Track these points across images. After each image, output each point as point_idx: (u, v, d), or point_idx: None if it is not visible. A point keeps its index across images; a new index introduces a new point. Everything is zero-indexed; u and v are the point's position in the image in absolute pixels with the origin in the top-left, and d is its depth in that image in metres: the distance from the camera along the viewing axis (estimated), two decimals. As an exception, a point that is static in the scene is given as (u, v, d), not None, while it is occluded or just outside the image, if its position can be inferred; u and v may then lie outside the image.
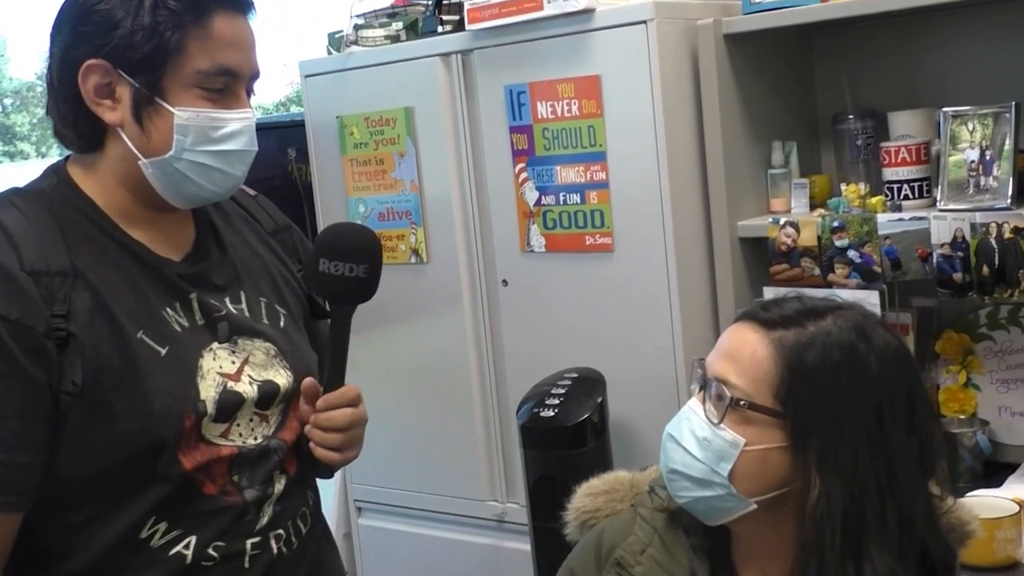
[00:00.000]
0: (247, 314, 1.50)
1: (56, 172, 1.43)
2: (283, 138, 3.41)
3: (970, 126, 2.16)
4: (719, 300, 2.45)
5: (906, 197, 2.27)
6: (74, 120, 1.39)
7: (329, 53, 3.04)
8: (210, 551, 1.42)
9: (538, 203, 2.58)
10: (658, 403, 2.44)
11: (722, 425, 1.26)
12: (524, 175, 2.60)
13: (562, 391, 2.39)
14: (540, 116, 2.54)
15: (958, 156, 2.16)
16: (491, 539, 2.82)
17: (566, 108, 2.50)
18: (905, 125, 2.34)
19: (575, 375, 2.45)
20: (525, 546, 2.54)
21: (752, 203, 2.50)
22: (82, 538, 1.37)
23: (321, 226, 3.00)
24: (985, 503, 1.90)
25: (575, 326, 2.57)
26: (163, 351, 1.38)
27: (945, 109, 2.21)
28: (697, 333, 2.44)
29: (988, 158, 2.13)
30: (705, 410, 1.29)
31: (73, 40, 1.37)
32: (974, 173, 2.15)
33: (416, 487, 2.93)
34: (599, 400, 2.39)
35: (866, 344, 1.25)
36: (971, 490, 2.13)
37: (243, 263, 1.54)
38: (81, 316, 1.32)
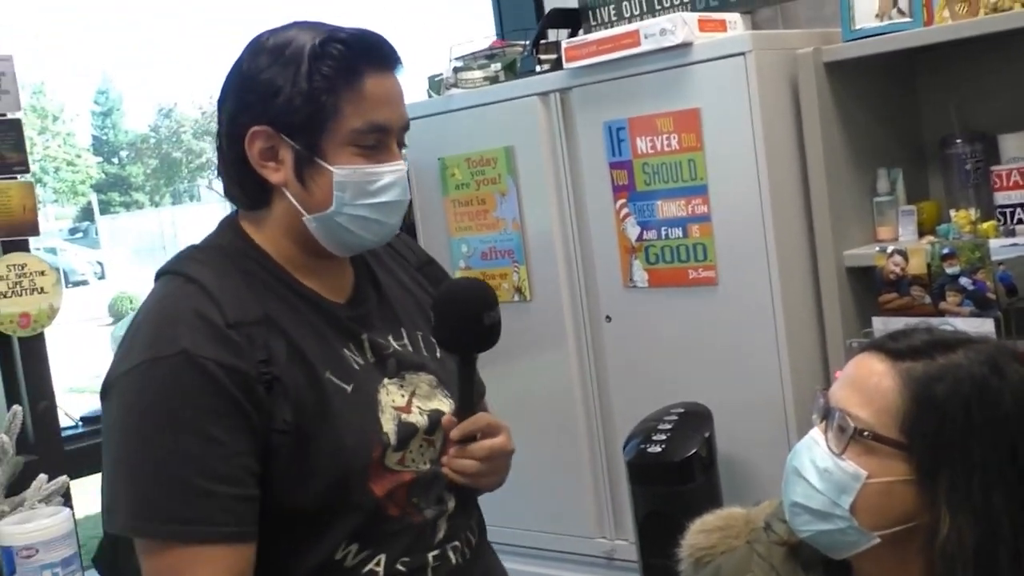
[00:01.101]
0: (410, 349, 1.59)
1: (231, 227, 1.53)
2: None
3: (1083, 147, 2.10)
4: (827, 331, 2.41)
5: (1019, 221, 2.21)
6: (241, 181, 1.48)
7: (429, 96, 3.09)
8: (398, 566, 1.50)
9: (640, 238, 2.58)
10: (766, 436, 2.41)
11: (844, 456, 1.23)
12: (625, 210, 2.60)
13: (669, 426, 2.38)
14: (640, 151, 2.54)
15: (1072, 178, 2.10)
16: (600, 576, 2.80)
17: (665, 143, 2.50)
18: (1016, 147, 2.29)
19: (681, 410, 2.43)
20: (635, 583, 2.52)
21: (858, 232, 2.46)
22: (288, 563, 1.45)
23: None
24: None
25: (680, 360, 2.55)
26: (348, 388, 1.47)
27: (1057, 130, 2.15)
28: (805, 365, 2.41)
29: (1104, 179, 2.07)
30: (827, 440, 1.26)
31: (238, 108, 1.46)
32: (1089, 195, 2.08)
33: (524, 524, 2.92)
34: (706, 435, 2.37)
35: (999, 378, 1.21)
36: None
37: (398, 301, 1.63)
38: (280, 360, 1.41)
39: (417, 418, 1.54)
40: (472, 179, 2.89)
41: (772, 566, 1.36)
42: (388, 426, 1.49)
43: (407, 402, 1.54)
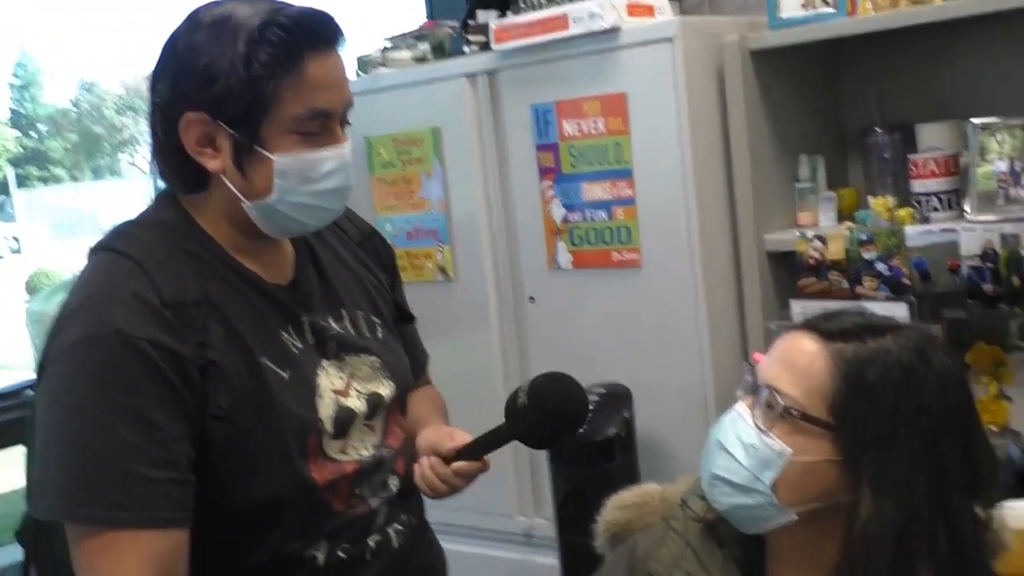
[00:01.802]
0: (351, 331, 1.56)
1: (170, 203, 1.47)
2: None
3: (999, 137, 2.15)
4: (747, 314, 2.45)
5: (935, 209, 2.26)
6: (177, 165, 1.43)
7: (358, 75, 3.06)
8: (339, 553, 1.49)
9: (565, 220, 2.59)
10: (685, 417, 2.44)
11: (770, 433, 1.24)
12: (551, 192, 2.61)
13: (590, 406, 2.39)
14: (566, 134, 2.55)
15: (987, 167, 2.15)
16: (519, 554, 2.82)
17: (592, 126, 2.51)
18: (933, 137, 2.34)
19: (603, 390, 2.45)
20: (553, 561, 2.54)
21: (779, 217, 2.50)
22: (231, 557, 1.43)
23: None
24: (1018, 514, 1.88)
25: (602, 342, 2.58)
26: (286, 375, 1.43)
27: (973, 120, 2.20)
28: (724, 348, 2.44)
29: (1018, 169, 2.12)
30: (753, 416, 1.27)
31: (173, 93, 1.40)
32: (1004, 184, 2.13)
33: (443, 502, 2.91)
34: (626, 415, 2.39)
35: (926, 365, 1.23)
36: (1003, 501, 2.11)
37: (340, 280, 1.60)
38: (218, 343, 1.38)
39: (355, 403, 1.51)
40: (398, 159, 2.88)
41: (687, 542, 1.37)
42: (326, 412, 1.46)
43: (346, 385, 1.51)
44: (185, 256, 1.41)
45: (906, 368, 1.22)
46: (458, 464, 1.59)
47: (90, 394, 1.31)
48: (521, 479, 2.78)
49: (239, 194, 1.41)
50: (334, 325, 1.54)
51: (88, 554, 1.32)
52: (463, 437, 1.63)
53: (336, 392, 1.49)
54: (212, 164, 1.40)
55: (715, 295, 2.42)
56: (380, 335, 1.61)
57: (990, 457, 1.30)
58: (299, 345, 1.47)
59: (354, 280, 1.62)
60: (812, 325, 1.28)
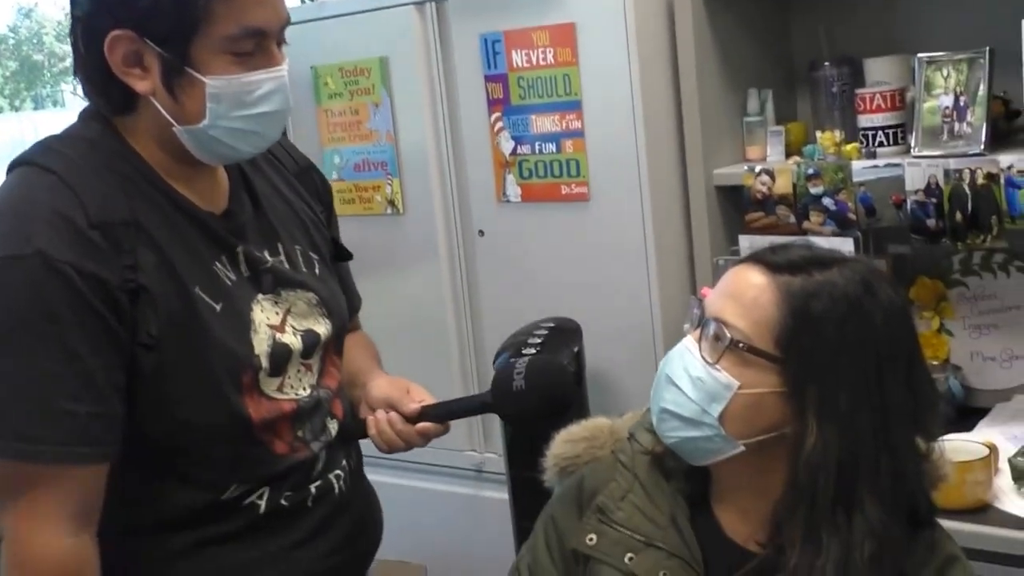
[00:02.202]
0: (287, 265, 1.51)
1: (97, 119, 1.39)
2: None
3: (944, 72, 2.16)
4: (695, 248, 2.45)
5: (881, 144, 2.27)
6: (103, 86, 1.36)
7: (303, 2, 3.00)
8: (282, 501, 1.47)
9: (514, 153, 2.57)
10: (634, 351, 2.45)
11: (717, 366, 1.25)
12: (500, 125, 2.59)
13: (539, 340, 2.40)
14: (515, 65, 2.53)
15: (932, 102, 2.16)
16: (470, 489, 2.84)
17: (541, 56, 2.48)
18: (880, 72, 2.33)
19: (551, 324, 2.45)
20: (503, 495, 2.56)
21: (728, 151, 2.49)
22: (162, 499, 1.40)
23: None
24: (957, 447, 1.92)
25: (551, 276, 2.58)
26: (218, 307, 1.39)
27: (920, 55, 2.21)
28: (673, 281, 2.45)
29: (962, 104, 2.13)
30: (701, 349, 1.28)
31: (95, 8, 1.33)
32: (948, 119, 2.14)
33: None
34: (575, 349, 2.40)
35: (871, 298, 1.24)
36: (944, 435, 2.16)
37: (276, 212, 1.54)
38: (148, 268, 1.32)
39: (291, 339, 1.47)
40: (346, 89, 2.84)
41: (636, 475, 1.39)
42: (261, 347, 1.42)
43: (281, 321, 1.46)
44: (113, 175, 1.34)
45: (852, 301, 1.23)
46: (423, 425, 1.58)
47: (8, 320, 1.25)
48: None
49: (169, 118, 1.35)
50: (269, 258, 1.49)
51: (2, 489, 1.29)
52: (420, 393, 1.61)
53: (271, 327, 1.44)
54: (140, 85, 1.34)
55: (663, 229, 2.42)
56: (317, 271, 1.56)
57: (932, 390, 1.33)
58: (232, 277, 1.42)
59: (290, 213, 1.57)
60: (759, 258, 1.29)
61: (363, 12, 2.77)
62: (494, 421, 2.63)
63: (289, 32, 2.93)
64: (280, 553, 1.48)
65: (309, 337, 1.50)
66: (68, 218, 1.28)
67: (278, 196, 1.57)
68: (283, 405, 1.46)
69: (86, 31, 1.34)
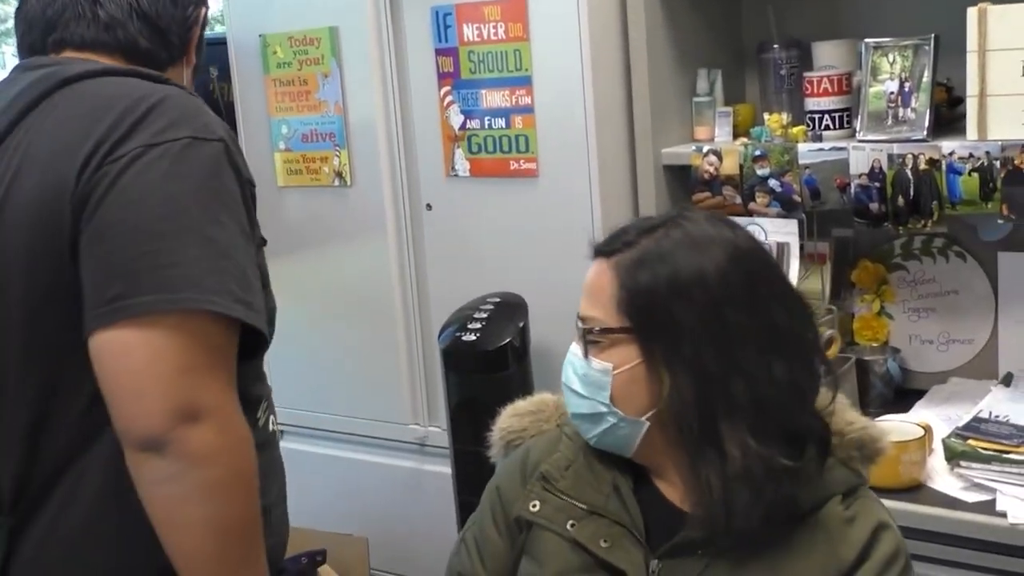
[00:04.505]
0: None
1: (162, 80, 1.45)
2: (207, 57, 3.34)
3: (891, 57, 2.18)
4: (642, 227, 2.46)
5: (827, 127, 2.30)
6: (171, 38, 1.49)
7: (252, -31, 2.97)
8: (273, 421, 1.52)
9: (463, 127, 2.56)
10: (579, 328, 2.46)
11: (591, 357, 1.34)
12: (449, 98, 2.58)
13: (484, 315, 2.40)
14: (466, 39, 2.52)
15: (878, 87, 2.19)
16: (413, 462, 2.83)
17: (492, 31, 2.48)
18: (828, 56, 2.36)
19: (497, 300, 2.46)
20: (446, 469, 2.56)
21: (677, 131, 2.51)
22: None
23: (243, 147, 2.95)
24: (893, 427, 1.96)
25: (499, 251, 2.58)
26: None
27: (867, 40, 2.23)
28: (619, 260, 2.46)
29: (907, 90, 2.16)
30: (581, 350, 1.36)
31: None
32: (893, 104, 2.17)
33: (337, 411, 2.93)
34: (521, 324, 2.41)
35: (692, 244, 1.31)
36: (882, 415, 2.20)
37: None
38: None
39: None
40: (295, 58, 2.81)
41: (580, 447, 1.42)
42: None
43: None
44: None
45: (672, 254, 1.31)
46: None
47: (207, 191, 1.27)
48: (415, 387, 2.78)
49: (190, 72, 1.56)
50: None
51: (212, 357, 1.25)
52: None
53: None
54: (193, 56, 1.56)
55: (611, 207, 2.43)
56: None
57: (790, 313, 1.35)
58: None
59: None
60: (599, 250, 1.38)
61: (314, -19, 2.74)
62: (437, 395, 2.63)
63: (238, 0, 2.92)
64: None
65: None
66: (225, 126, 1.36)
67: None
68: None
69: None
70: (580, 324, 1.36)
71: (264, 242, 1.46)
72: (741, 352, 1.29)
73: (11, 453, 1.32)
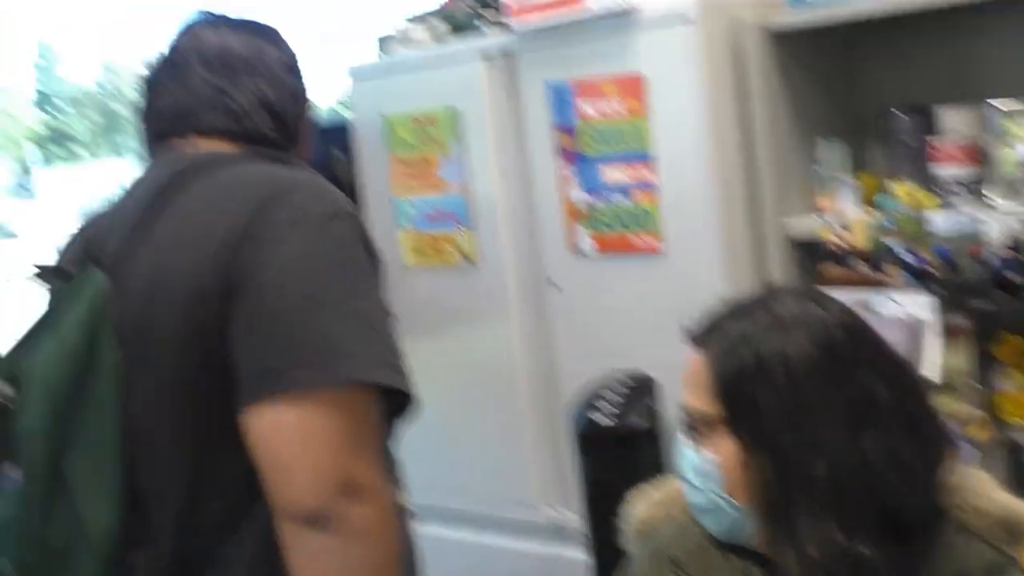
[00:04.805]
0: None
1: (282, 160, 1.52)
2: (330, 139, 3.43)
3: (1021, 122, 2.12)
4: (769, 300, 2.42)
5: (956, 195, 2.23)
6: (290, 127, 1.54)
7: (379, 56, 3.05)
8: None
9: (585, 204, 2.57)
10: (708, 405, 2.42)
11: (698, 448, 1.32)
12: (570, 175, 2.59)
13: (615, 395, 2.38)
14: (585, 115, 2.53)
15: (1010, 153, 2.12)
16: (545, 547, 2.80)
17: (611, 107, 2.49)
18: (953, 120, 2.30)
19: (627, 378, 2.43)
20: (579, 553, 2.53)
21: (800, 202, 2.47)
22: None
23: (369, 226, 3.01)
24: None
25: (625, 328, 2.56)
26: None
27: (995, 104, 2.17)
28: (747, 334, 2.42)
29: (1042, 154, 2.09)
30: (690, 440, 1.35)
31: (298, 70, 1.57)
32: (1027, 170, 2.10)
33: (467, 493, 2.93)
34: (652, 404, 2.38)
35: (777, 326, 1.29)
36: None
37: None
38: None
39: None
40: (417, 139, 2.87)
41: (711, 539, 1.39)
42: None
43: None
44: None
45: (752, 336, 1.29)
46: None
47: (347, 264, 1.31)
48: (545, 468, 2.76)
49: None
50: None
51: (361, 429, 1.27)
52: None
53: None
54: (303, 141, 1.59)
55: (738, 281, 2.39)
56: None
57: (886, 378, 1.31)
58: None
59: None
60: (691, 337, 1.37)
61: (434, 63, 2.80)
62: (568, 476, 2.61)
63: (365, 84, 3.01)
64: None
65: None
66: (351, 202, 1.40)
67: None
68: None
69: (299, 81, 1.57)
70: (683, 415, 1.35)
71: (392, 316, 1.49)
72: (823, 431, 1.25)
73: (170, 522, 1.36)
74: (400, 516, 1.32)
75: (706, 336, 1.35)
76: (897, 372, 1.34)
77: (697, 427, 1.33)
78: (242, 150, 1.48)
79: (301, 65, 1.59)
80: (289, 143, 1.55)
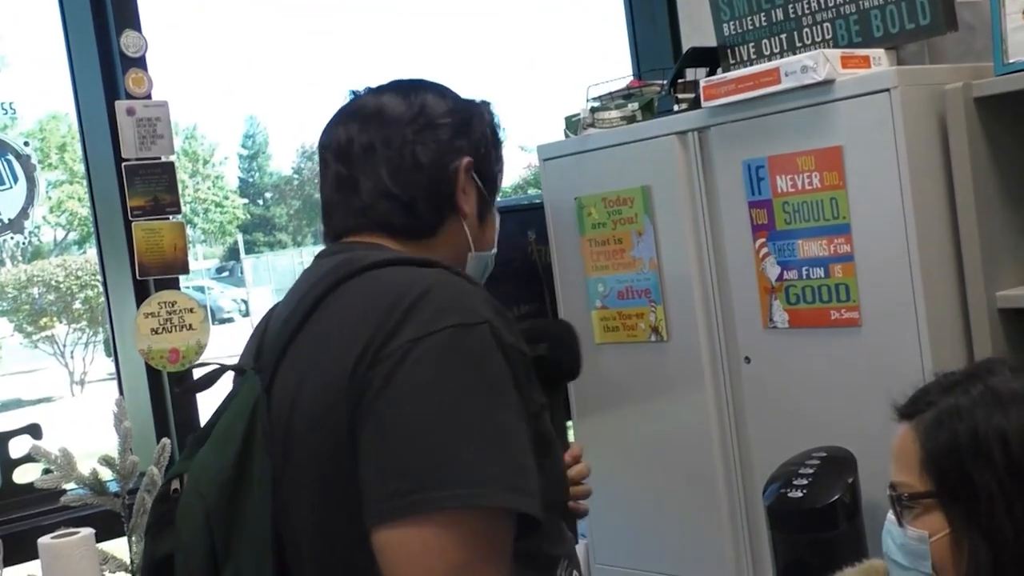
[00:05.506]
0: None
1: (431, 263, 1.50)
2: (522, 221, 3.48)
3: None
4: (978, 375, 2.32)
5: None
6: (422, 206, 1.50)
7: (566, 136, 3.10)
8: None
9: (780, 278, 2.53)
10: (914, 485, 2.32)
11: (906, 526, 1.30)
12: (765, 250, 2.56)
13: (810, 471, 2.31)
14: (780, 190, 2.50)
15: None
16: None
17: (807, 181, 2.45)
18: None
19: (824, 454, 2.36)
20: (776, 632, 2.45)
21: (1010, 272, 2.36)
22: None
23: (561, 306, 3.04)
24: None
25: (822, 404, 2.49)
26: None
27: None
28: (955, 410, 2.31)
29: None
30: (897, 518, 1.34)
31: (454, 134, 1.52)
32: None
33: (661, 569, 2.88)
34: (850, 480, 2.29)
35: (994, 401, 1.26)
36: None
37: None
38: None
39: None
40: (609, 218, 2.89)
41: None
42: None
43: None
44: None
45: (967, 409, 1.27)
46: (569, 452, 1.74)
47: (475, 380, 1.30)
48: (739, 545, 2.70)
49: (471, 242, 1.53)
50: None
51: (488, 541, 1.27)
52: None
53: None
54: (466, 208, 1.52)
55: (942, 354, 2.30)
56: None
57: None
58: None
59: None
60: (901, 411, 1.37)
61: (626, 143, 2.83)
62: (764, 556, 2.53)
63: (554, 164, 3.07)
64: None
65: None
66: (491, 299, 1.38)
67: None
68: None
69: (440, 152, 1.50)
70: (890, 491, 1.34)
71: (544, 407, 1.43)
72: None
73: None
74: None
75: (915, 409, 1.33)
76: None
77: (905, 503, 1.30)
78: (400, 247, 1.50)
79: (473, 124, 1.54)
80: (429, 223, 1.51)
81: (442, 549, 1.23)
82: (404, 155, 1.49)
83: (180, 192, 2.84)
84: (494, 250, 1.59)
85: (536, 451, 1.32)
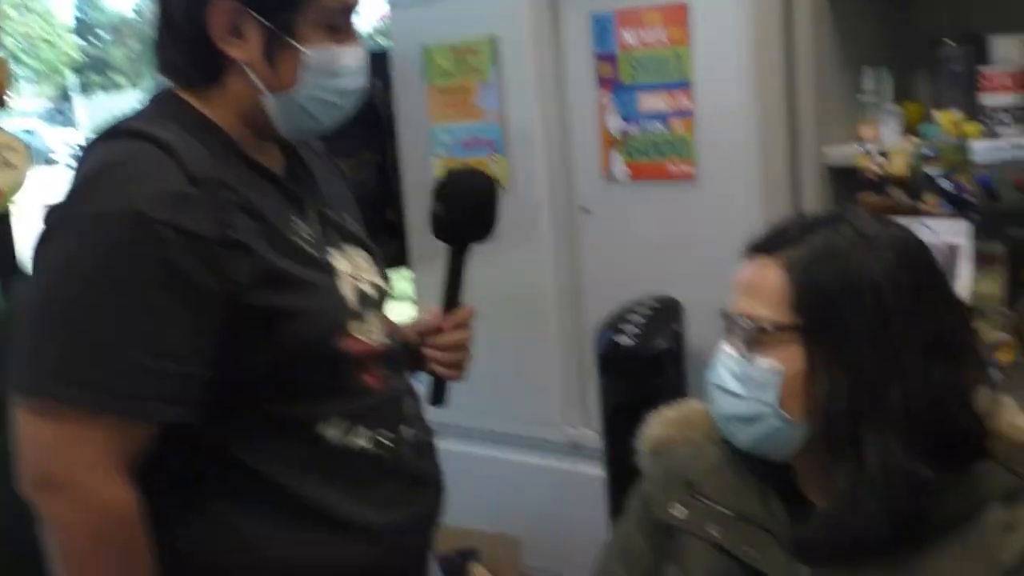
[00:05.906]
0: (345, 224, 1.57)
1: (173, 100, 1.45)
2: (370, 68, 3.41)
3: (1073, 50, 2.07)
4: (804, 230, 2.40)
5: (1004, 124, 2.19)
6: (193, 54, 1.42)
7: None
8: (380, 439, 1.49)
9: (621, 131, 2.55)
10: (738, 334, 2.41)
11: (756, 356, 1.29)
12: (608, 103, 2.57)
13: (640, 319, 2.38)
14: (626, 44, 2.50)
15: (1060, 81, 2.08)
16: (565, 464, 2.84)
17: (653, 36, 2.46)
18: (1007, 50, 2.25)
19: (654, 303, 2.43)
20: (598, 471, 2.55)
21: (840, 131, 2.43)
22: (271, 441, 1.42)
23: (402, 155, 3.01)
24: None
25: (655, 254, 2.55)
26: (315, 255, 1.45)
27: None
28: (780, 263, 2.40)
29: (1092, 85, 2.04)
30: (737, 349, 1.32)
31: None
32: (1076, 101, 2.06)
33: (492, 412, 2.94)
34: (677, 329, 2.38)
35: (865, 245, 1.28)
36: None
37: (327, 184, 1.61)
38: (241, 224, 1.35)
39: (368, 288, 1.52)
40: (455, 68, 2.85)
41: (726, 453, 1.39)
42: (346, 292, 1.47)
43: (353, 271, 1.51)
44: (198, 141, 1.38)
45: (841, 250, 1.28)
46: (451, 318, 1.67)
47: (97, 273, 1.28)
48: (569, 389, 2.78)
49: (262, 85, 1.41)
50: (331, 215, 1.54)
51: (46, 439, 1.31)
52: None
53: (350, 275, 1.50)
54: (238, 53, 1.40)
55: (773, 209, 2.37)
56: (365, 236, 1.62)
57: (956, 322, 1.32)
58: (309, 231, 1.47)
59: (336, 186, 1.64)
60: (760, 247, 1.34)
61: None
62: (591, 398, 2.62)
63: (402, 13, 2.99)
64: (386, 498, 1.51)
65: (378, 289, 1.55)
66: (169, 179, 1.31)
67: (328, 172, 1.64)
68: (374, 347, 1.49)
69: (189, 1, 1.39)
70: (743, 322, 1.31)
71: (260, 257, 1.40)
72: (903, 360, 1.25)
73: None
74: (118, 510, 1.33)
75: (779, 245, 1.32)
76: (960, 304, 1.34)
77: (756, 336, 1.29)
78: (190, 98, 1.44)
79: None
80: (202, 78, 1.43)
81: (27, 429, 1.32)
82: (167, 6, 1.43)
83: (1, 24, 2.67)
84: (294, 88, 1.42)
85: (246, 331, 1.35)
